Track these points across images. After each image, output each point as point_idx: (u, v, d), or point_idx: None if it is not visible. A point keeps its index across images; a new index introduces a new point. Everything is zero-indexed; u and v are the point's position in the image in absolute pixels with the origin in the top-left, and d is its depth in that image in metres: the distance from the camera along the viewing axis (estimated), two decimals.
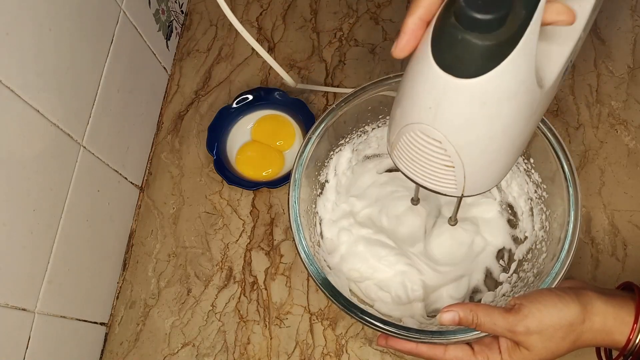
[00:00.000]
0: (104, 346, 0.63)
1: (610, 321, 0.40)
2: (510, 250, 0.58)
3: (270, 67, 0.75)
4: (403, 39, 0.34)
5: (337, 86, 0.73)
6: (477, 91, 0.32)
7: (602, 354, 0.46)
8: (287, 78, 0.66)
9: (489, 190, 0.40)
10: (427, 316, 0.56)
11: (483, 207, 0.60)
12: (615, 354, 0.43)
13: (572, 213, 0.48)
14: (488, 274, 0.58)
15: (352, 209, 0.61)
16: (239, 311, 0.62)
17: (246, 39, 0.60)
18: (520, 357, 0.42)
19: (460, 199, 0.49)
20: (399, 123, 0.38)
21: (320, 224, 0.60)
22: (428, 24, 0.34)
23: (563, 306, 0.40)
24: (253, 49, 0.77)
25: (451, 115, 0.34)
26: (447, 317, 0.42)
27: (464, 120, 0.34)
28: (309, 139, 0.54)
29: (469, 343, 0.45)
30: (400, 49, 0.34)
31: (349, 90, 0.55)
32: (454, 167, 0.36)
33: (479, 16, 0.29)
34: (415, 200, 0.56)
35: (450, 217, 0.55)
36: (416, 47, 0.34)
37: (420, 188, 0.41)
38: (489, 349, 0.44)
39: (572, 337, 0.40)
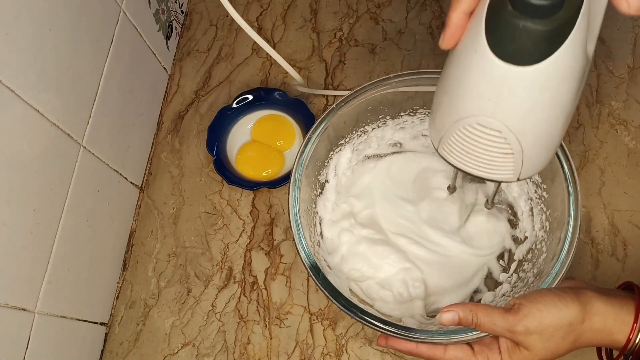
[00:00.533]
0: (104, 346, 0.63)
1: (610, 321, 0.40)
2: (510, 250, 0.58)
3: (271, 67, 0.75)
4: (449, 31, 0.35)
5: (338, 87, 0.73)
6: (538, 77, 0.32)
7: (603, 354, 0.46)
8: (297, 76, 0.66)
9: (543, 169, 0.41)
10: (427, 316, 0.56)
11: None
12: (616, 353, 0.43)
13: (572, 213, 0.48)
14: (488, 274, 0.58)
15: (352, 209, 0.61)
16: (239, 311, 0.62)
17: (256, 40, 0.59)
18: (520, 357, 0.42)
19: (499, 183, 0.50)
20: (450, 118, 0.37)
21: (320, 224, 0.60)
22: (470, 15, 0.34)
23: (563, 306, 0.40)
24: (253, 49, 0.77)
25: (512, 104, 0.34)
26: (447, 317, 0.42)
27: (525, 107, 0.34)
28: (309, 139, 0.54)
29: (469, 343, 0.45)
30: (448, 39, 0.35)
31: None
32: (513, 154, 0.37)
33: (538, 2, 0.30)
34: (452, 189, 0.57)
35: (487, 200, 0.55)
36: (460, 38, 0.35)
37: (459, 177, 0.41)
38: (489, 349, 0.44)
39: (571, 337, 0.40)
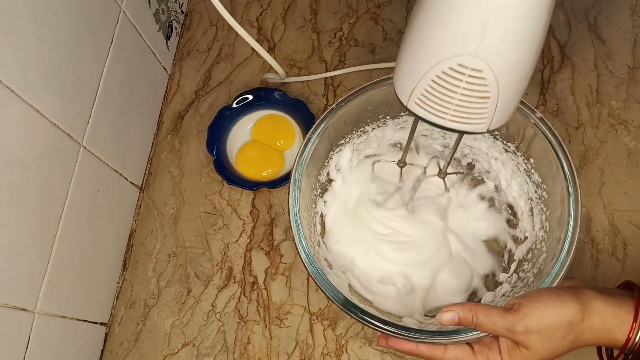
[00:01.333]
0: (104, 346, 0.63)
1: (609, 320, 0.40)
2: (510, 250, 0.58)
3: (270, 67, 0.75)
4: None
5: (338, 86, 0.73)
6: (524, 5, 0.32)
7: (603, 353, 0.46)
8: (278, 67, 0.65)
9: (506, 122, 0.40)
10: (427, 316, 0.56)
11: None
12: (616, 352, 0.43)
13: (572, 213, 0.48)
14: (488, 274, 0.58)
15: (356, 204, 0.62)
16: (239, 311, 0.62)
17: (229, 22, 0.57)
18: (520, 356, 0.42)
19: (456, 145, 0.49)
20: (425, 65, 0.36)
21: (320, 223, 0.60)
22: None
23: (562, 305, 0.40)
24: (253, 49, 0.77)
25: (497, 38, 0.33)
26: (447, 317, 0.42)
27: (508, 41, 0.33)
28: (309, 139, 0.54)
29: (469, 343, 0.45)
30: None
31: (337, 73, 0.54)
32: (489, 97, 0.36)
33: None
34: (402, 163, 0.55)
35: (440, 170, 0.55)
36: None
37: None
38: (489, 348, 0.44)
39: (571, 336, 0.40)
